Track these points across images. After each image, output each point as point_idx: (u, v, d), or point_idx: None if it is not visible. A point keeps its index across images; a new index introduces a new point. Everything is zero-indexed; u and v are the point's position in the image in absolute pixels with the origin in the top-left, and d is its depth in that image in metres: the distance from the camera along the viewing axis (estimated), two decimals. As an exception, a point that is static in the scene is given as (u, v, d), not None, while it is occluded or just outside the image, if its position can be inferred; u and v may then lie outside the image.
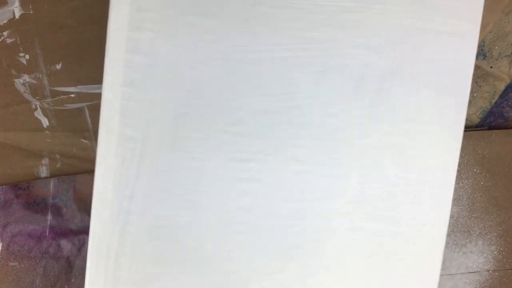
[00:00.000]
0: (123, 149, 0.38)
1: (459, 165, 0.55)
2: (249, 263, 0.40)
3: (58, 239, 0.62)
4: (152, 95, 0.38)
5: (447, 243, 0.64)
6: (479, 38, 0.45)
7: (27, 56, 0.59)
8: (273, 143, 0.40)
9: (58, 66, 0.60)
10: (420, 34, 0.41)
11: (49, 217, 0.62)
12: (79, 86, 0.60)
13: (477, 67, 0.64)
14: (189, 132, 0.38)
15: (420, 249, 0.43)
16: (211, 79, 0.38)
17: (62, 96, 0.60)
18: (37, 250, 0.62)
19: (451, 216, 0.64)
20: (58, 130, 0.61)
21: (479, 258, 0.66)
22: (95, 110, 0.61)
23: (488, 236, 0.66)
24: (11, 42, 0.58)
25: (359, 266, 0.42)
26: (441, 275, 0.56)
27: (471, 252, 0.66)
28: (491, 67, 0.65)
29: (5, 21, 0.58)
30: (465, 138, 0.54)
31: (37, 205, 0.62)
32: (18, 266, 0.62)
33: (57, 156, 0.62)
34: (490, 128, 0.66)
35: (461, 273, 0.65)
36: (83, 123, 0.61)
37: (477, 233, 0.66)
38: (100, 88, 0.60)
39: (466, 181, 0.65)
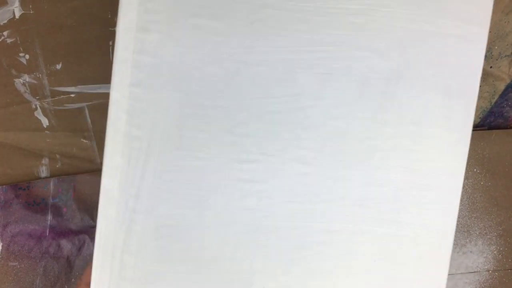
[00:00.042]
0: (129, 148, 0.38)
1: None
2: (252, 264, 0.40)
3: (58, 239, 0.62)
4: (158, 95, 0.38)
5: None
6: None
7: (27, 56, 0.59)
8: (278, 144, 0.40)
9: (58, 66, 0.60)
10: (427, 37, 0.40)
11: (49, 217, 0.62)
12: (79, 86, 0.60)
13: (477, 67, 0.64)
14: (194, 132, 0.39)
15: (426, 255, 0.42)
16: (217, 80, 0.38)
17: (62, 96, 0.60)
18: (37, 250, 0.62)
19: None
20: (58, 130, 0.61)
21: (479, 258, 0.66)
22: (95, 110, 0.61)
23: (488, 236, 0.66)
24: (11, 42, 0.58)
25: (364, 269, 0.42)
26: (441, 275, 0.56)
27: (471, 252, 0.66)
28: (491, 67, 0.65)
29: (5, 21, 0.58)
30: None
31: (37, 205, 0.62)
32: (18, 266, 0.62)
33: (57, 156, 0.62)
34: (490, 128, 0.66)
35: (461, 273, 0.65)
36: (83, 123, 0.61)
37: (477, 233, 0.66)
38: (100, 88, 0.60)
39: (466, 181, 0.65)
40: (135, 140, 0.38)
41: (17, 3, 0.57)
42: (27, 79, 0.60)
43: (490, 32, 0.64)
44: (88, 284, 0.46)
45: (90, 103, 0.61)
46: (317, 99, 0.40)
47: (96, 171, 0.63)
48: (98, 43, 0.60)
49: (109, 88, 0.60)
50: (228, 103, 0.39)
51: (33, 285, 0.62)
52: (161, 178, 0.39)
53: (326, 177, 0.41)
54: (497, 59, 0.65)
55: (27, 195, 0.62)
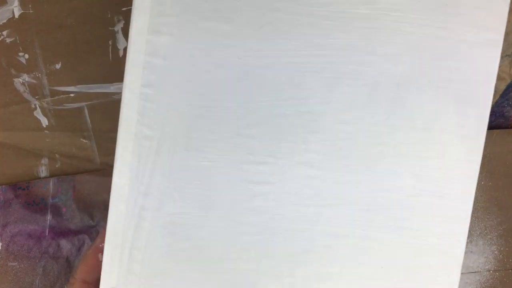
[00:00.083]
0: (139, 147, 0.39)
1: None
2: (258, 265, 0.41)
3: (57, 239, 0.62)
4: (168, 96, 0.39)
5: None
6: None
7: (26, 56, 0.59)
8: (285, 147, 0.40)
9: (58, 66, 0.60)
10: (439, 43, 0.40)
11: (49, 217, 0.62)
12: (79, 86, 0.60)
13: (477, 67, 0.64)
14: (203, 133, 0.39)
15: (436, 263, 0.42)
16: (226, 82, 0.39)
17: (61, 96, 0.60)
18: (37, 250, 0.62)
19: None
20: (58, 129, 0.61)
21: (479, 258, 0.66)
22: (95, 110, 0.61)
23: (488, 236, 0.66)
24: (10, 41, 0.58)
25: (371, 276, 0.41)
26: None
27: (471, 252, 0.65)
28: (491, 66, 0.65)
29: (5, 21, 0.58)
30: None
31: (36, 205, 0.62)
32: (18, 266, 0.62)
33: (57, 155, 0.62)
34: (491, 127, 0.66)
35: (462, 273, 0.65)
36: (82, 122, 0.61)
37: (478, 233, 0.65)
38: (100, 87, 0.60)
39: (466, 181, 0.65)
40: (146, 139, 0.39)
41: (16, 3, 0.57)
42: (27, 79, 0.60)
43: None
44: (84, 281, 0.46)
45: (89, 102, 0.61)
46: (326, 103, 0.40)
47: (95, 170, 0.63)
48: (98, 43, 0.60)
49: (108, 88, 0.61)
50: (237, 105, 0.39)
51: (32, 285, 0.62)
52: (170, 177, 0.39)
53: (334, 181, 0.40)
54: (497, 59, 0.65)
55: (26, 195, 0.62)
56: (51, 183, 0.62)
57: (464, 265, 0.65)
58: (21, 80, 0.59)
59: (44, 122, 0.61)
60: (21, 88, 0.60)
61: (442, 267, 0.42)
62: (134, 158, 0.39)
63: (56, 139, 0.61)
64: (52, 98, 0.60)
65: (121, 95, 0.62)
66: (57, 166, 0.62)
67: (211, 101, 0.39)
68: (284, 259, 0.41)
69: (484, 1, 0.40)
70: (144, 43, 0.38)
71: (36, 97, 0.60)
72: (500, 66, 0.65)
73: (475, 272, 0.65)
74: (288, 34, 0.39)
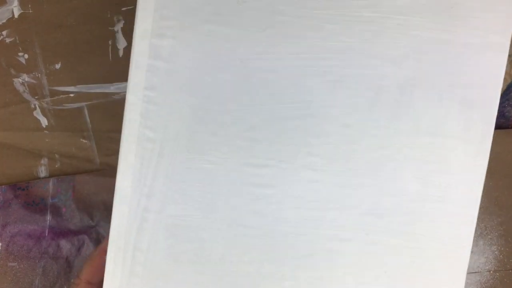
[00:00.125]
0: (142, 149, 0.39)
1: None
2: (259, 268, 0.40)
3: (57, 239, 0.62)
4: (171, 99, 0.39)
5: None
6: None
7: (26, 56, 0.59)
8: (287, 150, 0.40)
9: (57, 66, 0.59)
10: (444, 46, 0.40)
11: (48, 217, 0.62)
12: (79, 86, 0.60)
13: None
14: (205, 136, 0.39)
15: (440, 269, 0.42)
16: (228, 85, 0.39)
17: (61, 96, 0.60)
18: (36, 250, 0.62)
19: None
20: (57, 129, 0.61)
21: (480, 258, 0.66)
22: (95, 110, 0.61)
23: (489, 236, 0.66)
24: (10, 41, 0.58)
25: (374, 281, 0.41)
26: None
27: (472, 252, 0.65)
28: (492, 66, 0.65)
29: (4, 21, 0.58)
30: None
31: (36, 205, 0.62)
32: (17, 267, 0.62)
33: (56, 156, 0.62)
34: (491, 128, 0.66)
35: (462, 274, 0.65)
36: (82, 122, 0.61)
37: (478, 233, 0.66)
38: (100, 87, 0.60)
39: (467, 181, 0.65)
40: (148, 141, 0.39)
41: (16, 3, 0.57)
42: (26, 79, 0.59)
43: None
44: (89, 283, 0.46)
45: (89, 102, 0.61)
46: (329, 107, 0.40)
47: (95, 171, 0.62)
48: (98, 43, 0.59)
49: (108, 88, 0.61)
50: (239, 108, 0.39)
51: (32, 285, 0.62)
52: (172, 179, 0.39)
53: (337, 185, 0.40)
54: (498, 59, 0.65)
55: (26, 195, 0.61)
56: (50, 183, 0.62)
57: (464, 265, 0.65)
58: (20, 80, 0.59)
59: (44, 122, 0.61)
60: (20, 88, 0.60)
61: (447, 272, 0.42)
62: (137, 160, 0.39)
63: (56, 139, 0.61)
64: (52, 98, 0.60)
65: (121, 95, 0.62)
66: (56, 166, 0.62)
67: (213, 104, 0.39)
68: (286, 262, 0.41)
69: (490, 4, 0.40)
70: (148, 46, 0.38)
71: (36, 97, 0.60)
72: (500, 66, 0.65)
73: (476, 272, 0.66)
74: (290, 37, 0.39)
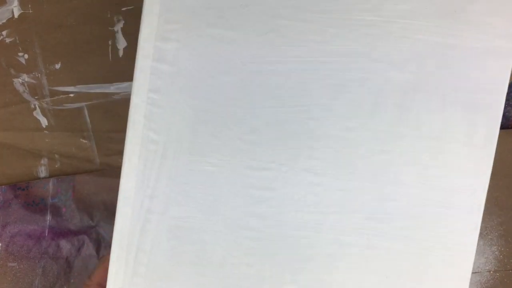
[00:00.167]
0: (146, 151, 0.39)
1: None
2: (259, 271, 0.41)
3: (57, 240, 0.62)
4: (174, 101, 0.39)
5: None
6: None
7: (26, 56, 0.59)
8: (288, 153, 0.40)
9: (57, 66, 0.59)
10: (448, 50, 0.39)
11: (48, 217, 0.62)
12: (78, 86, 0.60)
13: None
14: (207, 138, 0.39)
15: (443, 275, 0.41)
16: (230, 88, 0.39)
17: (61, 96, 0.60)
18: (36, 250, 0.62)
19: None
20: (57, 130, 0.61)
21: (480, 258, 0.66)
22: (94, 110, 0.61)
23: (489, 237, 0.66)
24: (10, 41, 0.58)
25: (375, 285, 0.41)
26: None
27: (472, 252, 0.66)
28: (492, 67, 0.65)
29: (4, 21, 0.57)
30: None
31: (36, 205, 0.62)
32: (17, 267, 0.62)
33: (56, 156, 0.62)
34: (492, 128, 0.66)
35: (462, 274, 0.65)
36: (82, 123, 0.61)
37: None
38: (99, 87, 0.60)
39: (467, 181, 0.65)
40: (152, 143, 0.39)
41: (16, 3, 0.57)
42: (26, 79, 0.59)
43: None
44: (100, 285, 0.46)
45: (89, 102, 0.61)
46: (330, 110, 0.40)
47: (95, 171, 0.62)
48: (98, 43, 0.59)
49: (108, 88, 0.61)
50: (241, 110, 0.39)
51: (32, 285, 0.62)
52: (175, 181, 0.40)
53: (337, 189, 0.40)
54: (499, 59, 0.65)
55: (26, 195, 0.61)
56: (50, 183, 0.62)
57: (464, 266, 0.65)
58: (20, 80, 0.59)
59: (44, 122, 0.61)
60: (20, 88, 0.59)
61: (449, 278, 0.42)
62: (141, 162, 0.39)
63: (56, 139, 0.61)
64: (52, 98, 0.60)
65: (121, 95, 0.62)
66: (56, 166, 0.62)
67: (216, 106, 0.39)
68: (286, 265, 0.41)
69: (496, 8, 0.39)
70: (152, 49, 0.39)
71: (36, 97, 0.60)
72: (501, 67, 0.64)
73: (476, 272, 0.66)
74: (292, 41, 0.39)
